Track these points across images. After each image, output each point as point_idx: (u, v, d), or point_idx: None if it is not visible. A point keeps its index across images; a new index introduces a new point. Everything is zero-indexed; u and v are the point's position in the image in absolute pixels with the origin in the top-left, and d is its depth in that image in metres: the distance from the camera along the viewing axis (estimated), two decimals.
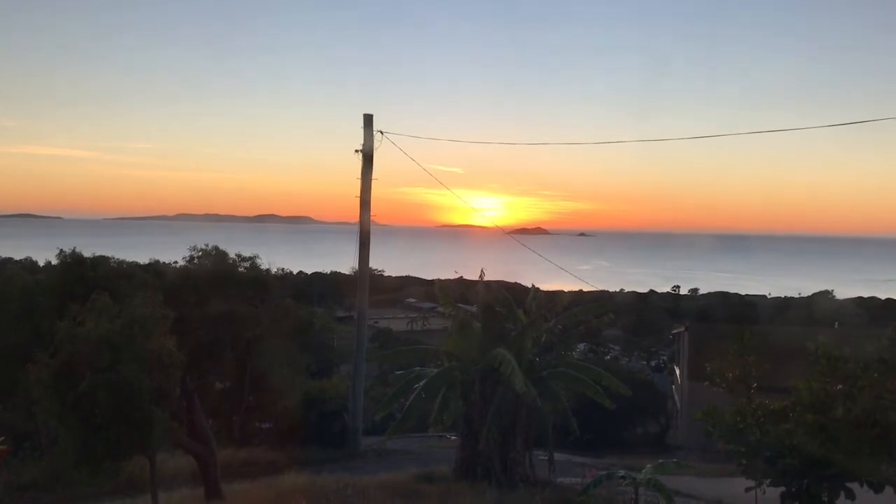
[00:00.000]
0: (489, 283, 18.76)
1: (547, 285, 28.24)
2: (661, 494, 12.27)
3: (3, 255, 68.78)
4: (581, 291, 71.25)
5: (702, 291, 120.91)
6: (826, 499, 10.35)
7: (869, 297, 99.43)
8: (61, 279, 19.73)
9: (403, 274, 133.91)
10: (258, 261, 25.55)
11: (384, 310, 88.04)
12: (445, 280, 20.63)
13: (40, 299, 19.19)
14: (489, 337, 17.39)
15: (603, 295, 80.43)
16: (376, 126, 22.43)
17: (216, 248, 25.01)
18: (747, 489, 11.18)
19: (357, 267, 23.50)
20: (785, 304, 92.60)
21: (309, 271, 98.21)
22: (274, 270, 27.71)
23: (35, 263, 27.65)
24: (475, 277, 18.82)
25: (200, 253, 24.82)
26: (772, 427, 10.69)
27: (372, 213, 22.73)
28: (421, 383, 17.55)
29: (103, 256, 21.66)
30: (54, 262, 21.51)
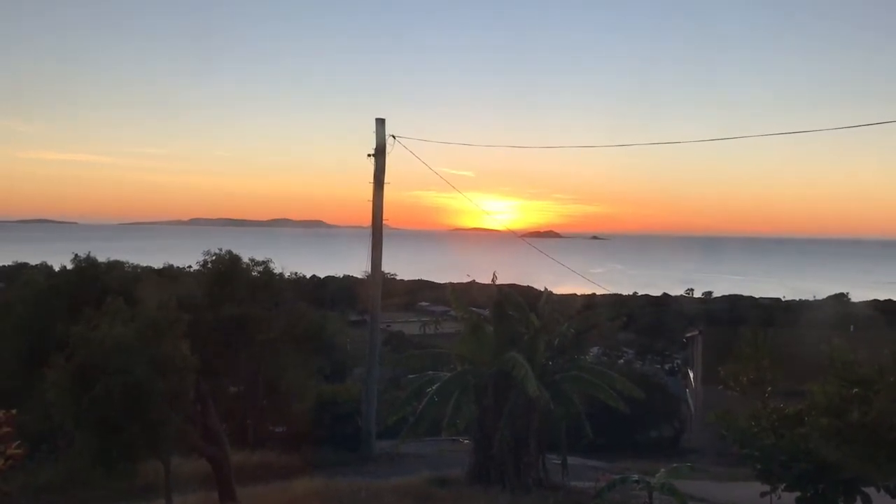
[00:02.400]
0: (502, 286, 18.72)
1: (560, 289, 28.20)
2: (674, 499, 12.21)
3: (20, 260, 69.29)
4: (594, 295, 71.15)
5: (715, 294, 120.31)
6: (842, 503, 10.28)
7: (885, 300, 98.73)
8: (76, 283, 19.83)
9: (416, 277, 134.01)
10: (271, 265, 25.62)
11: (397, 313, 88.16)
12: (458, 283, 20.59)
13: (55, 303, 19.30)
14: (502, 341, 17.38)
15: (616, 298, 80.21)
16: (388, 130, 22.50)
17: (229, 252, 25.07)
18: (762, 494, 11.12)
19: (370, 270, 23.55)
20: (800, 306, 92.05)
21: (322, 275, 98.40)
22: (287, 274, 27.79)
23: (50, 268, 27.80)
24: (487, 281, 18.81)
25: (214, 257, 24.88)
26: (787, 431, 10.64)
27: (384, 217, 22.78)
28: (434, 387, 17.54)
29: (118, 261, 21.76)
30: (69, 266, 21.63)
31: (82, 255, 20.95)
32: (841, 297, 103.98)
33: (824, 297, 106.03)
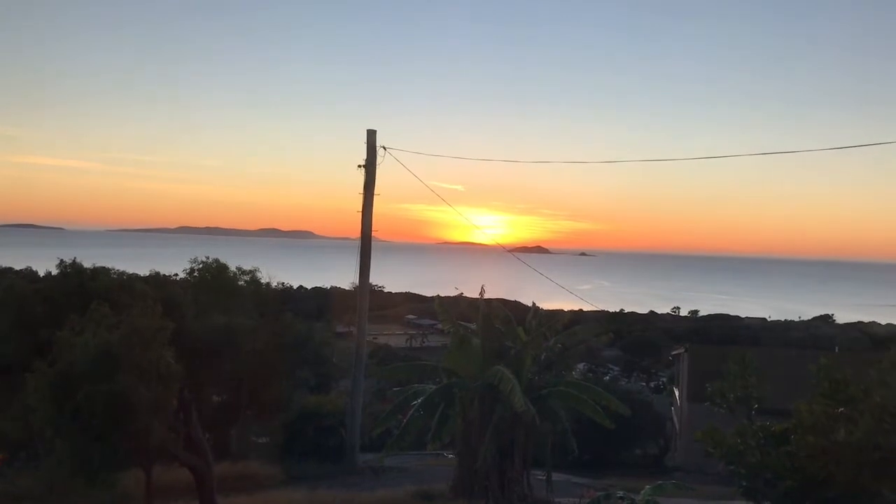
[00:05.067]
0: (489, 300, 18.68)
1: (547, 304, 28.20)
2: None
3: (3, 265, 68.66)
4: (581, 311, 71.17)
5: (702, 313, 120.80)
6: None
7: (869, 322, 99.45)
8: (60, 289, 19.67)
9: (403, 290, 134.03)
10: (258, 274, 25.57)
11: (384, 325, 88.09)
12: (445, 297, 20.52)
13: (39, 309, 19.13)
14: (489, 354, 17.32)
15: (603, 315, 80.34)
16: (379, 142, 22.45)
17: (217, 260, 25.01)
18: None
19: (357, 282, 23.45)
20: (785, 327, 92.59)
21: (309, 286, 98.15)
22: (274, 284, 27.70)
23: (35, 273, 27.62)
24: (475, 295, 18.77)
25: (201, 265, 24.82)
26: (773, 449, 10.64)
27: (373, 229, 22.71)
28: (419, 400, 17.46)
29: (103, 267, 21.59)
30: (54, 272, 21.46)
31: (68, 260, 20.82)
32: (826, 319, 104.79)
33: (810, 318, 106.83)
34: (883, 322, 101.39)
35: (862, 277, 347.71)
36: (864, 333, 79.83)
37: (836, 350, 42.57)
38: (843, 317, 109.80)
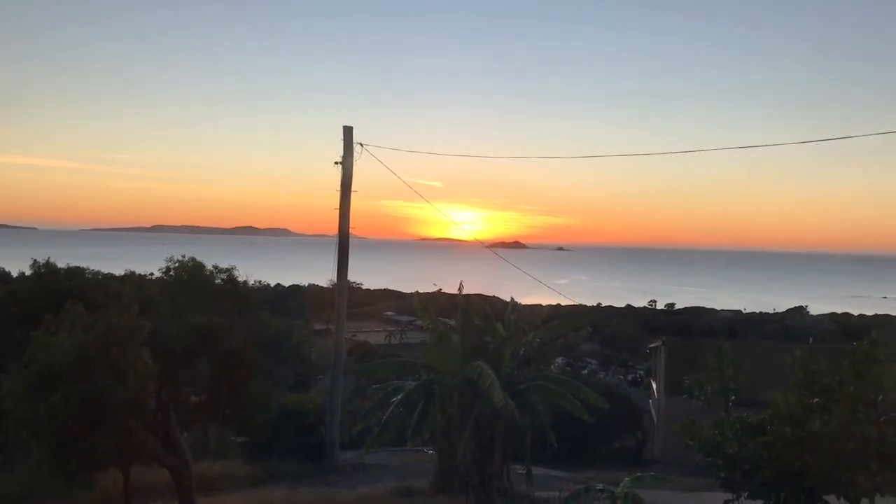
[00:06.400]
0: (468, 296, 18.71)
1: (525, 299, 28.30)
2: None
3: None
4: (559, 305, 71.56)
5: (678, 306, 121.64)
6: None
7: (842, 313, 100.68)
8: (35, 290, 19.46)
9: (382, 287, 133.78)
10: (235, 272, 25.42)
11: (362, 323, 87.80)
12: (424, 293, 20.54)
13: (13, 310, 18.91)
14: (468, 350, 17.36)
15: (580, 309, 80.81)
16: (356, 138, 22.37)
17: (193, 259, 24.84)
18: (725, 502, 11.21)
19: (335, 279, 23.38)
20: (760, 319, 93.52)
21: (286, 284, 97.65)
22: (251, 282, 27.56)
23: (8, 274, 27.24)
24: (454, 291, 18.79)
25: (177, 264, 24.64)
26: (750, 440, 10.74)
27: (351, 226, 22.62)
28: (399, 396, 17.46)
29: (78, 267, 21.39)
30: (28, 272, 21.22)
31: (41, 260, 20.59)
32: (800, 311, 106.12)
33: (784, 309, 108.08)
34: (855, 313, 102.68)
35: (834, 269, 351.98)
36: (838, 324, 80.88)
37: (811, 341, 43.10)
38: (816, 308, 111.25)
